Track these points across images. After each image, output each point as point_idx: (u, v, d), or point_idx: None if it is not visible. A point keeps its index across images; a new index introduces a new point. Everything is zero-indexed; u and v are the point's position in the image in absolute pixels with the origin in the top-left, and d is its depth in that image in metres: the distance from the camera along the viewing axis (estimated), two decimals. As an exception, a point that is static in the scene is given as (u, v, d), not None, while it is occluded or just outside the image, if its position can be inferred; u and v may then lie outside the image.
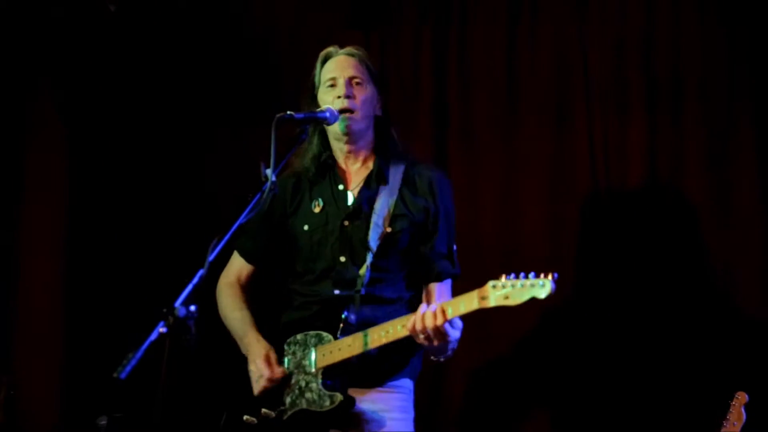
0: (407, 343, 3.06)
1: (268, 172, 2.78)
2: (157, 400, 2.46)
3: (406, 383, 3.23)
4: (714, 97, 4.12)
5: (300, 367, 3.13)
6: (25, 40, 4.81)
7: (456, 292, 3.18)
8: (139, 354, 2.36)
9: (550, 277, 2.66)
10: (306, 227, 3.26)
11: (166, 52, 4.86)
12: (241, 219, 2.71)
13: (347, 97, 3.19)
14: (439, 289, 3.22)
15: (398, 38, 4.63)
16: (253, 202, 2.74)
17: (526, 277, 2.69)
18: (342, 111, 3.18)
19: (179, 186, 4.77)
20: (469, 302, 2.81)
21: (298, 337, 3.17)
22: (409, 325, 2.89)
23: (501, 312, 4.20)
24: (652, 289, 4.08)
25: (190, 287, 2.49)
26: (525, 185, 4.37)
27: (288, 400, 3.13)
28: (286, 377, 3.16)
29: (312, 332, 3.14)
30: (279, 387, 3.16)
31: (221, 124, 4.79)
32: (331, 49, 3.34)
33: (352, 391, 3.09)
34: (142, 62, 4.87)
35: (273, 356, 3.19)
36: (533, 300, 2.69)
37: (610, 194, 4.23)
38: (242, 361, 3.30)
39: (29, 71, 4.86)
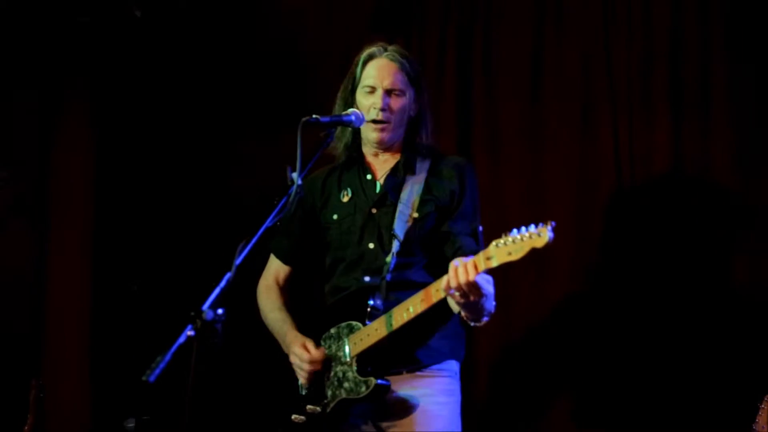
0: (445, 325, 3.13)
1: (294, 175, 2.78)
2: (185, 402, 2.47)
3: (452, 365, 3.24)
4: (741, 97, 4.09)
5: (336, 359, 3.17)
6: (56, 43, 4.85)
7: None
8: (168, 357, 2.37)
9: (548, 224, 2.69)
10: (335, 216, 3.30)
11: (192, 56, 4.89)
12: (268, 222, 2.71)
13: (383, 109, 3.22)
14: None
15: (422, 38, 4.62)
16: (280, 205, 2.75)
17: (527, 230, 2.73)
18: (376, 122, 3.23)
19: (207, 189, 4.79)
20: (478, 263, 2.82)
21: (332, 331, 3.21)
22: (444, 284, 2.89)
23: (522, 304, 4.21)
24: (678, 288, 4.06)
25: (217, 290, 2.50)
26: (550, 185, 4.35)
27: (329, 392, 3.17)
28: (327, 367, 3.19)
29: (343, 324, 3.18)
30: (321, 380, 3.20)
31: (247, 126, 4.81)
32: (374, 49, 3.32)
33: (395, 378, 3.12)
34: (168, 65, 4.90)
35: (310, 343, 3.24)
36: (533, 250, 2.70)
37: (635, 194, 4.21)
38: (282, 362, 3.33)
39: (59, 74, 4.90)
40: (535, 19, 4.43)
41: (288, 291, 3.48)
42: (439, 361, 3.19)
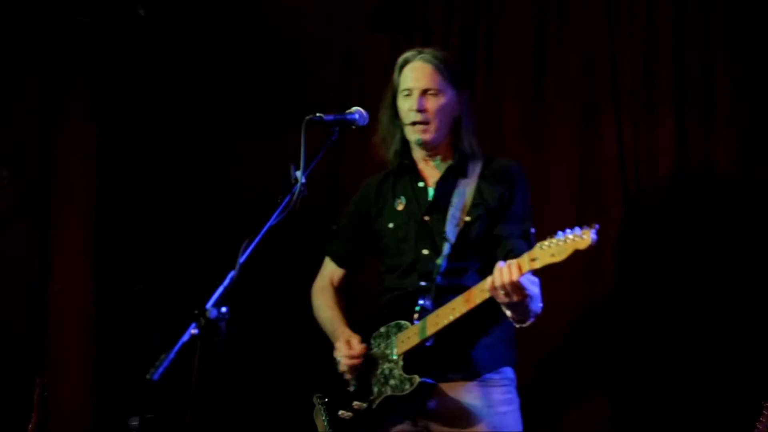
0: (498, 329, 3.15)
1: (298, 173, 2.79)
2: (189, 401, 2.47)
3: (507, 372, 3.25)
4: (744, 96, 4.08)
5: (384, 356, 3.20)
6: (58, 41, 4.86)
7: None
8: (171, 355, 2.37)
9: (591, 227, 2.75)
10: (391, 225, 3.34)
11: (193, 55, 4.90)
12: (272, 221, 2.72)
13: (419, 111, 3.24)
14: None
15: (425, 40, 4.62)
16: (283, 204, 2.75)
17: (571, 232, 2.79)
18: (414, 123, 3.26)
19: (209, 188, 4.80)
20: (523, 265, 2.88)
21: (381, 329, 3.25)
22: (488, 284, 2.93)
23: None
24: (683, 288, 4.05)
25: (221, 289, 2.50)
26: (553, 187, 4.35)
27: (375, 389, 3.21)
28: (374, 364, 3.22)
29: (392, 323, 3.22)
30: (368, 376, 3.23)
31: (249, 125, 4.81)
32: (408, 54, 3.35)
33: (451, 385, 3.15)
34: (170, 64, 4.90)
35: (354, 340, 3.28)
36: (576, 252, 2.76)
37: (639, 195, 4.21)
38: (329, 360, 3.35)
39: (60, 72, 4.91)
40: (538, 19, 4.43)
41: (342, 291, 3.54)
42: (494, 368, 3.20)
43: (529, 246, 3.16)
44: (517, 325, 3.09)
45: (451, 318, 3.03)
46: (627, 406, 4.11)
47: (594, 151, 4.31)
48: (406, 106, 3.28)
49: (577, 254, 2.79)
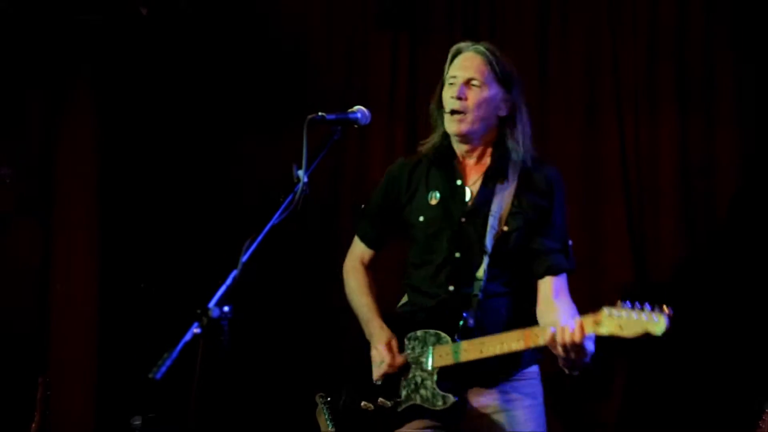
0: None
1: (300, 172, 2.78)
2: (191, 400, 2.47)
3: (533, 369, 3.20)
4: (746, 94, 4.09)
5: (418, 363, 3.15)
6: (60, 41, 4.87)
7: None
8: (174, 354, 2.37)
9: (665, 311, 2.64)
10: (421, 218, 3.26)
11: (195, 54, 4.90)
12: (274, 220, 2.71)
13: (458, 98, 3.16)
14: (555, 285, 3.13)
15: (428, 39, 4.62)
16: (286, 203, 2.74)
17: (642, 308, 2.67)
18: (452, 112, 3.17)
19: (213, 187, 4.80)
20: (586, 325, 2.80)
21: (419, 333, 3.18)
22: (547, 338, 2.87)
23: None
24: (684, 289, 4.06)
25: (223, 288, 2.50)
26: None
27: (404, 393, 3.15)
28: (405, 367, 3.18)
29: (432, 331, 3.14)
30: (397, 376, 3.19)
31: (251, 124, 4.82)
32: (462, 44, 3.27)
33: (478, 391, 3.11)
34: (172, 64, 4.91)
35: (395, 344, 3.22)
36: (646, 335, 2.66)
37: (641, 192, 4.21)
38: (362, 347, 3.31)
39: (63, 72, 4.92)
40: (540, 18, 4.44)
41: (372, 270, 3.45)
42: (522, 369, 3.16)
43: (568, 259, 3.16)
44: (566, 371, 2.99)
45: (498, 352, 2.97)
46: (629, 407, 4.11)
47: (596, 150, 4.32)
48: (448, 95, 3.19)
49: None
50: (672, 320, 2.60)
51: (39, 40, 4.83)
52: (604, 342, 2.73)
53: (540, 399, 3.21)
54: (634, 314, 2.67)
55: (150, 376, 2.36)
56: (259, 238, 2.63)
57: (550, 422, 3.20)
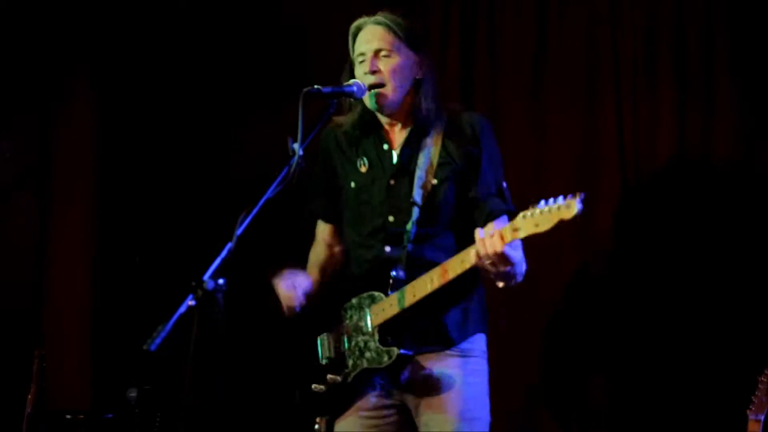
0: (471, 296, 3.12)
1: (296, 146, 2.78)
2: (186, 372, 2.48)
3: (480, 342, 3.20)
4: (745, 73, 4.08)
5: (358, 329, 3.15)
6: (60, 18, 4.86)
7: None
8: (169, 326, 2.38)
9: (577, 196, 2.66)
10: (353, 184, 3.26)
11: (195, 37, 4.89)
12: (269, 193, 2.71)
13: (373, 72, 3.14)
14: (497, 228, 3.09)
15: (426, 19, 4.60)
16: (281, 176, 2.75)
17: (555, 202, 2.69)
18: (371, 87, 3.14)
19: (208, 161, 4.80)
20: (505, 235, 2.81)
21: (353, 301, 3.19)
22: (471, 256, 2.88)
23: (523, 292, 4.19)
24: (682, 266, 4.06)
25: (218, 261, 2.50)
26: (552, 164, 4.35)
27: (350, 362, 3.15)
28: (344, 332, 3.19)
29: (365, 294, 3.16)
30: (339, 346, 3.20)
31: (249, 98, 4.81)
32: (360, 20, 3.27)
33: (425, 357, 3.11)
34: (172, 42, 4.90)
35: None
36: (561, 222, 2.67)
37: (638, 171, 4.21)
38: (304, 335, 3.33)
39: (63, 48, 4.91)
40: (539, 1, 4.41)
41: (341, 245, 3.43)
42: (466, 337, 3.15)
43: (506, 202, 3.17)
44: (500, 284, 3.01)
45: (429, 289, 2.98)
46: (621, 388, 4.12)
47: (594, 133, 4.31)
48: (361, 71, 3.17)
49: (568, 227, 2.71)
50: (584, 203, 2.62)
51: (38, 16, 4.82)
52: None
53: (486, 377, 3.19)
54: (546, 208, 2.69)
55: (145, 348, 2.37)
56: (254, 211, 2.64)
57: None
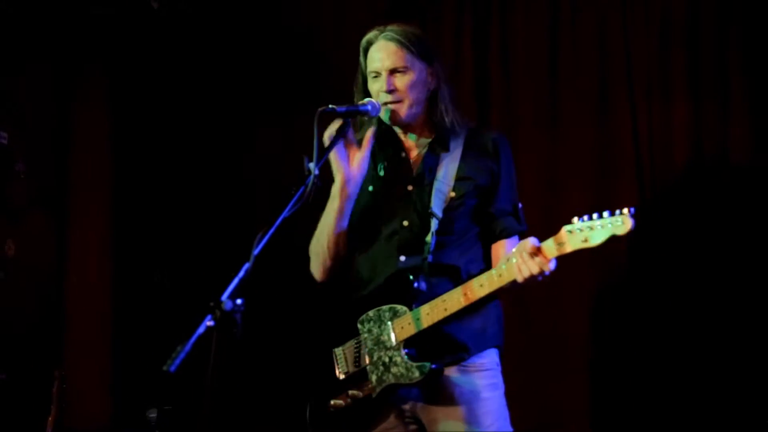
0: (486, 310, 3.08)
1: (312, 165, 2.78)
2: (206, 392, 2.48)
3: (493, 356, 3.18)
4: (760, 78, 4.06)
5: (379, 343, 3.11)
6: (73, 35, 4.89)
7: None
8: (188, 347, 2.38)
9: (626, 211, 2.58)
10: (370, 188, 3.24)
11: (208, 46, 4.92)
12: (285, 213, 2.71)
13: (389, 91, 3.14)
14: (509, 247, 3.12)
15: (439, 30, 4.62)
16: (297, 195, 2.75)
17: (601, 216, 2.62)
18: (386, 104, 3.14)
19: (226, 182, 4.81)
20: (548, 251, 2.77)
21: (371, 314, 3.14)
22: (508, 273, 2.85)
23: (539, 294, 4.16)
24: (700, 273, 4.04)
25: (236, 281, 2.50)
26: (568, 172, 4.35)
27: (374, 377, 3.10)
28: (363, 346, 3.14)
29: (385, 307, 3.12)
30: (357, 360, 3.15)
31: (264, 117, 4.83)
32: (371, 35, 3.24)
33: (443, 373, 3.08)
34: (185, 56, 4.92)
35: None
36: (613, 238, 2.60)
37: (654, 179, 4.20)
38: (317, 351, 3.29)
39: (76, 66, 4.94)
40: (552, 6, 4.42)
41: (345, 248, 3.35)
42: (481, 350, 3.13)
43: (519, 222, 3.16)
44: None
45: (447, 313, 2.96)
46: (634, 397, 4.10)
47: (609, 139, 4.31)
48: (376, 88, 3.16)
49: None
50: (637, 220, 2.54)
51: (51, 32, 4.85)
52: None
53: (501, 390, 3.17)
54: (596, 223, 2.62)
55: (164, 369, 2.36)
56: (271, 230, 2.64)
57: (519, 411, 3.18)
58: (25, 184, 4.82)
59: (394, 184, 3.22)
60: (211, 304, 2.43)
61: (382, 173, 3.25)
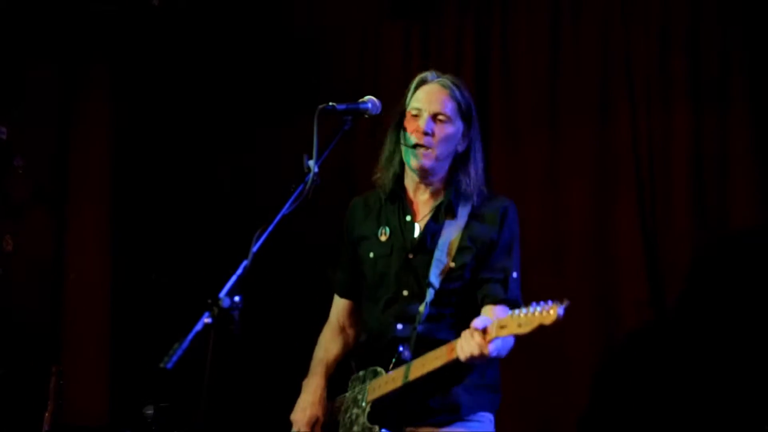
0: (482, 374, 3.09)
1: (311, 163, 2.78)
2: (203, 389, 2.48)
3: (485, 416, 3.17)
4: (761, 82, 4.05)
5: (355, 401, 3.15)
6: (75, 32, 4.89)
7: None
8: (185, 344, 2.38)
9: (560, 303, 2.65)
10: (371, 255, 3.23)
11: (209, 44, 4.92)
12: (284, 210, 2.71)
13: (425, 133, 3.11)
14: (496, 314, 2.99)
15: (440, 31, 4.62)
16: (296, 192, 2.75)
17: (544, 304, 2.70)
18: (416, 146, 3.12)
19: (225, 179, 4.81)
20: (492, 331, 2.80)
21: (360, 373, 3.19)
22: (447, 351, 2.89)
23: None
24: (696, 280, 4.03)
25: (234, 278, 2.50)
26: (568, 179, 4.33)
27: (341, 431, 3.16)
28: (344, 403, 3.19)
29: (370, 368, 3.15)
30: (337, 415, 3.20)
31: (264, 114, 4.82)
32: (427, 74, 3.22)
33: (429, 428, 3.08)
34: (186, 54, 4.93)
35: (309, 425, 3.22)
36: (541, 326, 2.69)
37: (654, 187, 4.18)
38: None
39: (78, 63, 4.94)
40: (553, 11, 4.42)
41: (355, 325, 3.41)
42: (471, 413, 3.12)
43: (506, 291, 3.11)
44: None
45: (438, 365, 2.92)
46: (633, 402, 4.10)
47: (608, 141, 4.29)
48: (413, 127, 3.13)
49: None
50: (566, 311, 2.64)
51: (53, 29, 4.85)
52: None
53: None
54: (531, 310, 2.70)
55: (161, 365, 2.36)
56: (270, 228, 2.64)
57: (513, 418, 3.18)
58: (24, 180, 4.82)
59: (395, 251, 3.20)
60: (209, 301, 2.43)
61: (383, 238, 3.23)
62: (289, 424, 3.30)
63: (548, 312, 2.66)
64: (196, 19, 4.92)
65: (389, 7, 4.72)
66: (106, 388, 4.79)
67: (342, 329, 3.43)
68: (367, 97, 3.14)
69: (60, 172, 4.93)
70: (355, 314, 3.40)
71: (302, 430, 3.20)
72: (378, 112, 3.13)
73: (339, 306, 3.44)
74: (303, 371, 3.37)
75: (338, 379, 3.35)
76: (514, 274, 3.14)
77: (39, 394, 4.03)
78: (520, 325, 2.71)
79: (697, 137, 4.12)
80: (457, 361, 2.87)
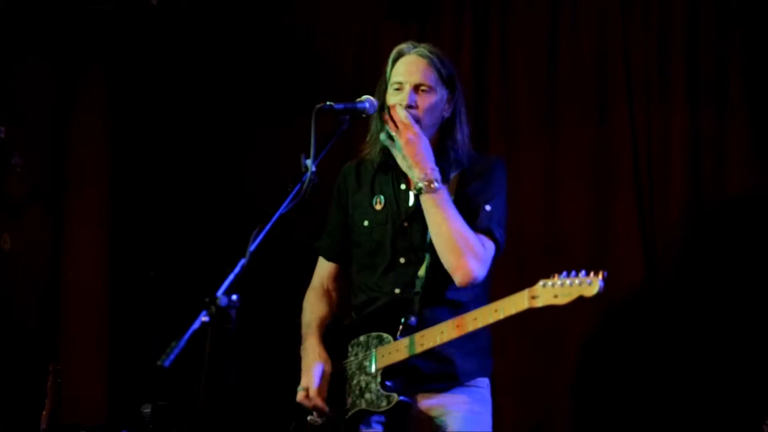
0: (474, 340, 3.08)
1: (309, 162, 2.79)
2: (200, 388, 2.49)
3: (484, 382, 3.21)
4: (759, 82, 4.06)
5: (361, 368, 3.15)
6: (72, 29, 4.89)
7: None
8: (182, 343, 2.38)
9: (600, 275, 2.65)
10: (366, 223, 3.25)
11: (206, 44, 4.92)
12: (282, 209, 2.72)
13: (409, 106, 3.12)
14: None
15: (438, 31, 4.62)
16: (294, 192, 2.75)
17: (576, 274, 2.68)
18: None
19: (222, 176, 4.82)
20: (520, 302, 2.80)
21: (361, 338, 3.18)
22: (454, 327, 2.92)
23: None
24: (698, 273, 4.04)
25: (231, 277, 2.51)
26: (566, 177, 4.34)
27: (349, 400, 3.15)
28: (347, 369, 3.18)
29: (373, 333, 3.15)
30: (341, 381, 3.19)
31: (262, 113, 4.83)
32: (403, 46, 3.25)
33: (425, 395, 3.11)
34: (183, 53, 4.93)
35: (323, 386, 3.20)
36: (581, 298, 2.67)
37: (652, 185, 4.19)
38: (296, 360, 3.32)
39: (75, 61, 4.95)
40: (551, 10, 4.42)
41: (339, 290, 3.43)
42: (470, 380, 3.16)
43: (474, 220, 3.09)
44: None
45: (438, 341, 2.97)
46: (631, 398, 4.10)
47: (607, 142, 4.30)
48: (396, 100, 3.15)
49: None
50: (606, 282, 2.62)
51: (50, 27, 4.85)
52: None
53: (489, 408, 3.19)
54: (567, 281, 2.68)
55: (159, 364, 2.37)
56: (267, 227, 2.64)
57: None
58: (22, 178, 4.83)
59: (390, 219, 3.22)
60: (207, 299, 2.44)
61: (378, 206, 3.25)
62: (288, 425, 3.30)
63: (589, 284, 2.65)
64: (195, 19, 4.93)
65: (387, 7, 4.72)
66: (104, 387, 4.79)
67: (327, 292, 3.43)
68: (364, 97, 3.15)
69: (58, 171, 4.94)
70: (339, 279, 3.43)
71: (313, 386, 3.18)
72: (375, 112, 3.14)
73: (324, 270, 3.44)
74: (301, 370, 3.38)
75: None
76: (487, 207, 3.14)
77: (36, 392, 4.04)
78: (556, 296, 2.71)
79: (696, 137, 4.13)
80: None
